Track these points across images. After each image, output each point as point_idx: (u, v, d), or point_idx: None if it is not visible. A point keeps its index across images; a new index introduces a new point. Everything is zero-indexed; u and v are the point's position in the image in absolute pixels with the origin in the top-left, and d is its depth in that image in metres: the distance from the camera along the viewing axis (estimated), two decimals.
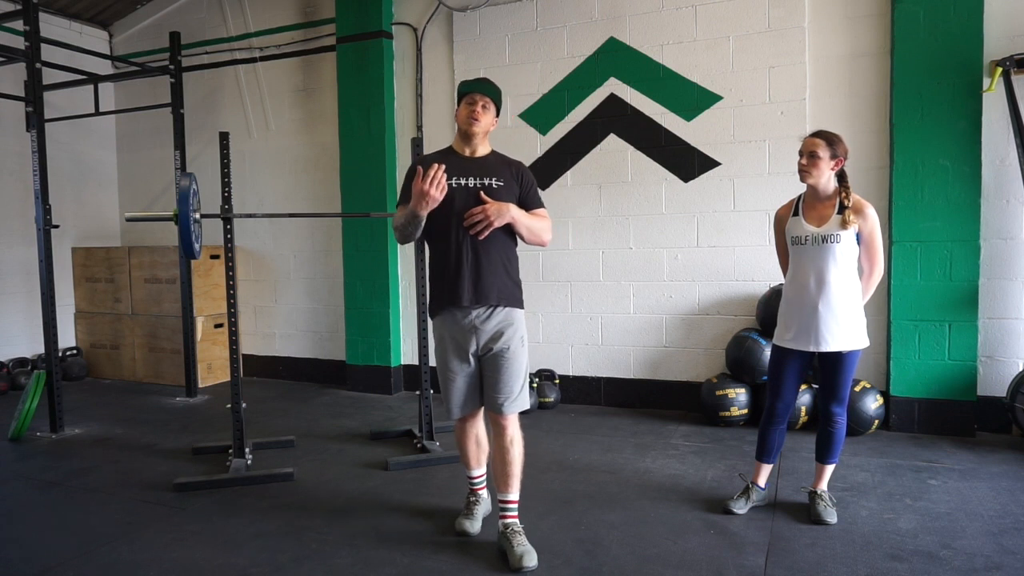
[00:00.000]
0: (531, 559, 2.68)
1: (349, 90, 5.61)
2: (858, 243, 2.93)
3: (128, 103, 6.62)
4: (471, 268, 2.74)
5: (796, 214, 3.03)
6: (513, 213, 2.73)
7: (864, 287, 2.99)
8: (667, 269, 4.89)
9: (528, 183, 2.89)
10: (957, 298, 4.12)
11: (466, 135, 2.85)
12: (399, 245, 5.63)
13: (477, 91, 2.82)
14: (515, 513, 2.84)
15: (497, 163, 2.88)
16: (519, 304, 2.86)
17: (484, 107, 2.81)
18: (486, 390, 2.84)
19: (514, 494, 2.84)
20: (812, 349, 2.95)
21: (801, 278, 2.97)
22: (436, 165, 2.63)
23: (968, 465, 3.68)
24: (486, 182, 2.79)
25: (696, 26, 4.73)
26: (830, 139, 2.92)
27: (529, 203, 2.86)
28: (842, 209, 2.90)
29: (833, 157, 2.91)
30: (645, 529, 3.00)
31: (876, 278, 2.99)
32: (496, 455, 2.86)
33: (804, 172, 2.94)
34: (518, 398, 2.81)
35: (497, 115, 2.89)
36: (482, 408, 2.94)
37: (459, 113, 2.86)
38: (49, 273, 4.62)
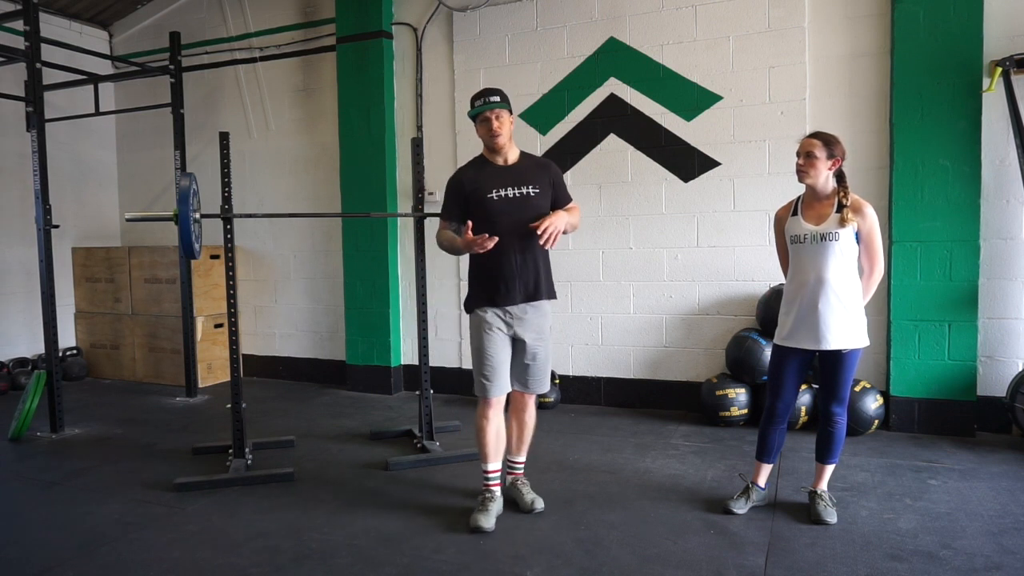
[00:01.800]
0: (540, 503, 3.19)
1: (349, 90, 5.61)
2: (857, 242, 2.94)
3: (128, 103, 6.61)
4: (520, 270, 3.04)
5: (795, 214, 3.05)
6: (564, 221, 3.02)
7: (864, 287, 2.99)
8: (667, 269, 4.89)
9: (558, 183, 3.18)
10: (957, 298, 4.12)
11: (493, 149, 3.11)
12: (398, 245, 5.64)
13: (486, 109, 3.04)
14: (523, 471, 3.35)
15: (531, 168, 3.14)
16: (554, 295, 3.20)
17: (498, 118, 3.04)
18: (519, 374, 3.16)
19: (523, 457, 3.34)
20: (812, 348, 2.96)
21: (801, 277, 2.98)
22: (485, 239, 2.87)
23: (968, 465, 3.68)
24: (524, 191, 3.06)
25: (696, 26, 4.73)
26: (826, 139, 2.94)
27: (561, 200, 3.16)
28: (840, 208, 2.91)
29: (830, 157, 2.93)
30: (645, 529, 3.00)
31: (876, 277, 2.99)
32: (514, 425, 3.28)
33: (801, 172, 2.97)
34: (545, 382, 3.23)
35: (511, 114, 3.11)
36: (506, 395, 3.18)
37: (479, 132, 3.11)
38: (49, 273, 4.62)
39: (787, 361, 3.05)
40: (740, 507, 3.12)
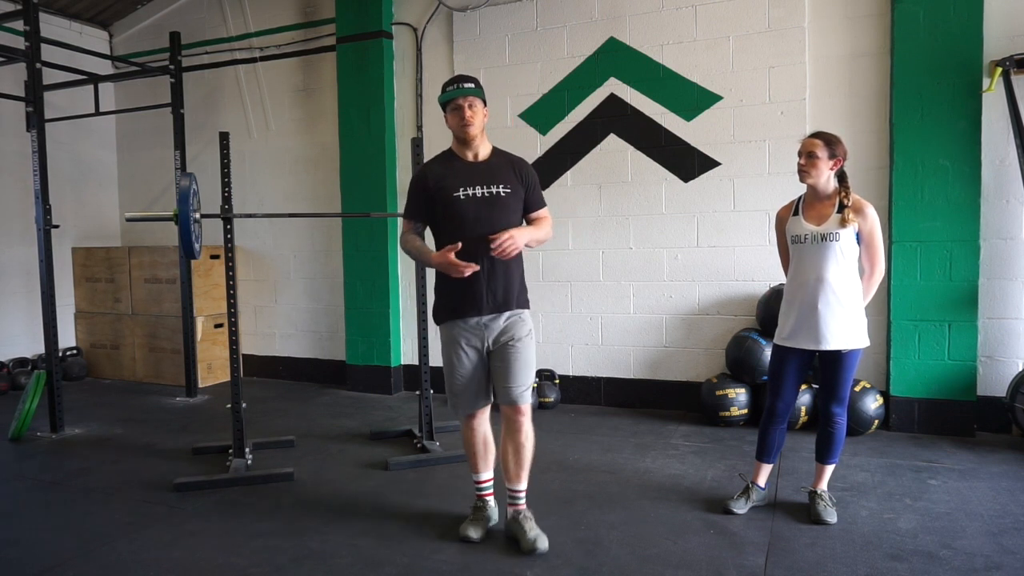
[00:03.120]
0: (543, 542, 2.79)
1: (349, 90, 5.61)
2: (858, 243, 2.94)
3: (128, 103, 6.61)
4: (488, 278, 2.77)
5: (796, 214, 3.05)
6: (526, 237, 2.77)
7: (865, 287, 2.99)
8: (667, 269, 4.89)
9: (531, 184, 2.89)
10: (957, 298, 4.12)
11: (464, 140, 2.83)
12: (399, 245, 5.63)
13: (459, 95, 2.77)
14: (524, 502, 2.92)
15: (501, 165, 2.86)
16: (527, 305, 2.92)
17: (471, 107, 2.77)
18: (498, 383, 2.85)
19: (524, 484, 2.92)
20: (812, 348, 2.96)
21: (801, 277, 2.98)
22: (469, 267, 2.65)
23: (968, 465, 3.68)
24: (494, 190, 2.79)
25: (696, 26, 4.73)
26: (828, 139, 2.94)
27: (532, 204, 2.89)
28: (841, 208, 2.91)
29: (832, 157, 2.92)
30: (645, 529, 3.00)
31: (877, 278, 2.99)
32: (508, 449, 2.89)
33: (803, 172, 2.97)
34: (529, 388, 2.87)
35: (485, 105, 2.83)
36: (489, 406, 2.96)
37: (449, 122, 2.83)
38: (49, 273, 4.62)
39: (787, 361, 3.05)
40: (740, 507, 3.12)
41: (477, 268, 2.68)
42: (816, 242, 2.93)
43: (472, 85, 2.80)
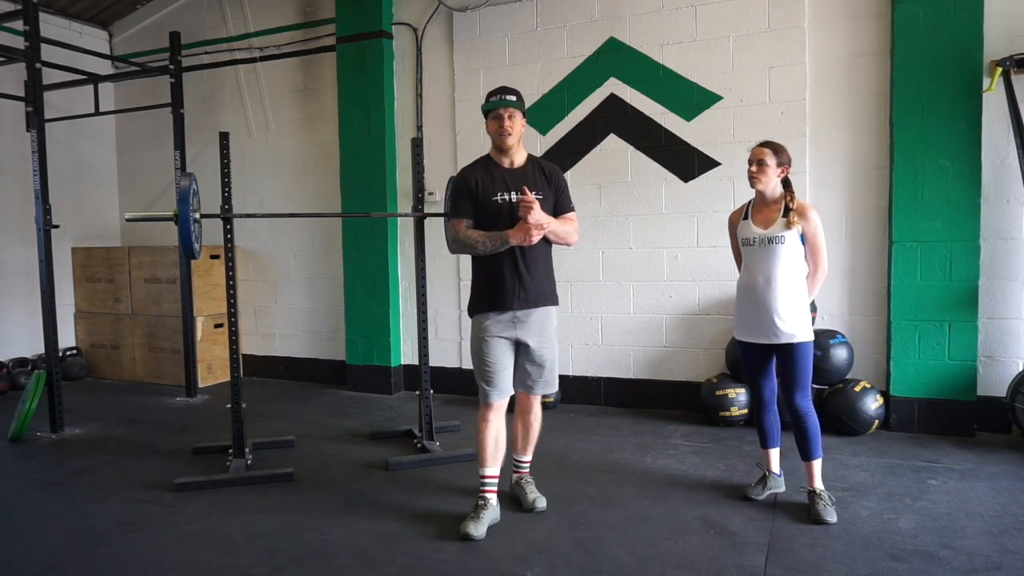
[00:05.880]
0: (542, 502, 3.20)
1: (349, 90, 5.61)
2: (803, 244, 3.08)
3: (128, 103, 6.61)
4: (520, 277, 3.04)
5: (746, 218, 3.23)
6: (553, 223, 3.04)
7: (810, 285, 3.15)
8: (667, 269, 4.89)
9: (560, 188, 3.17)
10: (957, 298, 4.12)
11: (501, 148, 3.09)
12: (398, 245, 5.64)
13: (500, 106, 3.03)
14: (528, 469, 3.34)
15: (535, 173, 3.13)
16: (556, 301, 3.20)
17: (511, 117, 3.03)
18: (523, 377, 3.14)
19: (529, 456, 3.34)
20: (764, 342, 3.14)
21: (751, 277, 3.17)
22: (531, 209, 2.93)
23: (968, 465, 3.68)
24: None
25: (696, 26, 4.72)
26: (776, 148, 3.13)
27: (560, 206, 3.15)
28: (787, 212, 3.07)
29: (779, 165, 3.12)
30: (645, 529, 3.00)
31: (820, 276, 3.16)
32: (519, 426, 3.29)
33: (754, 179, 3.15)
34: (552, 382, 3.21)
35: (524, 116, 3.12)
36: (507, 399, 3.14)
37: (489, 128, 3.10)
38: (49, 273, 4.62)
39: (749, 354, 3.27)
40: (758, 494, 3.28)
41: (534, 202, 2.91)
42: (763, 244, 3.10)
43: (514, 98, 3.06)
